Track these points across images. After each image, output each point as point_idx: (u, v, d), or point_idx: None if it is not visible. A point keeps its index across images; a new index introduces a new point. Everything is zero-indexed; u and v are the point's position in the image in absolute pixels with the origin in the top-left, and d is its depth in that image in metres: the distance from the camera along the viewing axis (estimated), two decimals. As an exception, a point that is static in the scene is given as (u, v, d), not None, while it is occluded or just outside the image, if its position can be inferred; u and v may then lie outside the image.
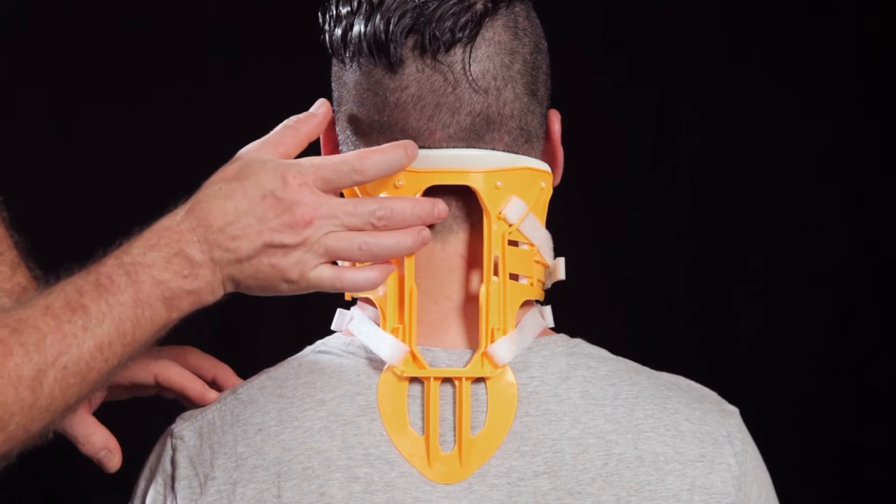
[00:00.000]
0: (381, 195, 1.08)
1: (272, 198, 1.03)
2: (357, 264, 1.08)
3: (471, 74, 1.06)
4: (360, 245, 1.05)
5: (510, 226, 1.08)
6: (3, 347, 0.97)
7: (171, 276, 1.02)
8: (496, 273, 1.08)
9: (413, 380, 1.07)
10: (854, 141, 2.22)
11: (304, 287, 1.05)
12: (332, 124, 1.13)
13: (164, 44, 2.12)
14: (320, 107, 1.10)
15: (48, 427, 1.01)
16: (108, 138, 2.11)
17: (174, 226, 1.04)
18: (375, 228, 1.05)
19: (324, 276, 1.05)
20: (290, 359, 1.13)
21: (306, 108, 1.14)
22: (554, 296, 1.17)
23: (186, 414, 1.12)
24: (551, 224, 1.14)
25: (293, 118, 1.09)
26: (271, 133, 1.09)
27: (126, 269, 1.02)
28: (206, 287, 1.04)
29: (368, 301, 1.11)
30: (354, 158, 1.05)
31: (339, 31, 1.09)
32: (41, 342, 0.98)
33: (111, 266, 1.02)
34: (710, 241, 2.22)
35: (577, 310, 1.50)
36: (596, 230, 2.18)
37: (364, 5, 1.07)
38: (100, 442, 1.19)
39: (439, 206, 1.07)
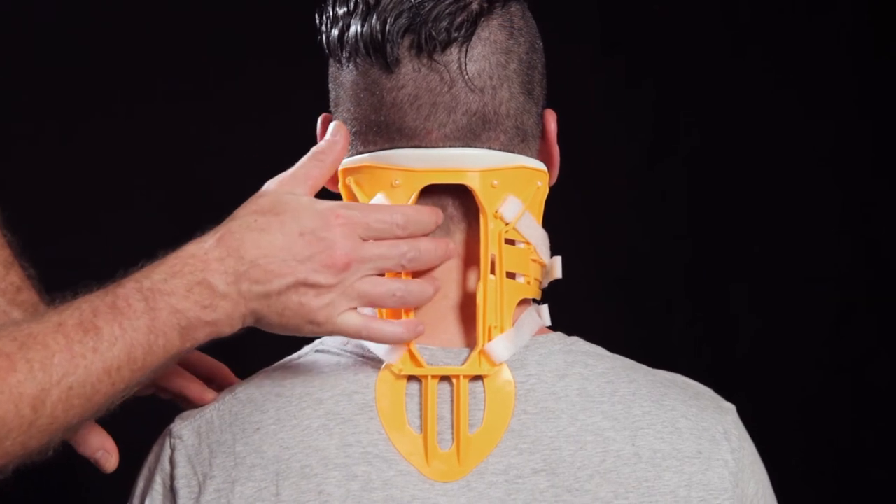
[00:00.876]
0: (378, 195, 1.08)
1: (311, 236, 1.02)
2: (382, 314, 1.08)
3: (467, 74, 1.06)
4: (394, 291, 1.05)
5: (507, 224, 1.08)
6: (8, 362, 0.95)
7: (190, 306, 1.01)
8: (493, 271, 1.08)
9: (411, 378, 1.07)
10: (853, 141, 2.22)
11: (328, 330, 1.04)
12: (329, 125, 1.13)
13: (165, 44, 2.12)
14: (338, 131, 1.09)
15: (47, 446, 1.00)
16: (107, 138, 2.11)
17: (201, 254, 1.02)
18: (405, 269, 1.05)
19: (351, 322, 1.04)
20: (288, 358, 1.13)
21: (306, 108, 1.14)
22: (553, 296, 1.17)
23: (185, 414, 1.13)
24: (550, 224, 1.14)
25: (317, 149, 1.08)
26: (297, 165, 1.08)
27: (145, 294, 1.00)
28: (225, 319, 1.02)
29: (367, 300, 1.11)
30: (401, 215, 1.05)
31: (335, 32, 1.09)
32: (48, 360, 0.97)
33: (130, 289, 1.01)
34: (708, 241, 2.22)
35: (576, 310, 1.51)
36: (594, 230, 2.19)
37: (360, 6, 1.07)
38: (96, 442, 1.19)
39: (450, 245, 1.08)
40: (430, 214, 1.07)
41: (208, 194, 2.14)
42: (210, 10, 2.13)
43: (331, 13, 1.10)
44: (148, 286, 1.01)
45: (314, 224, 1.03)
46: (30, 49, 2.09)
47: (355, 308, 1.04)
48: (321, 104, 1.14)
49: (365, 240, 1.04)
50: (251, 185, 2.29)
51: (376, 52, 1.06)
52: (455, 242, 1.10)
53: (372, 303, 1.05)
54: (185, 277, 1.01)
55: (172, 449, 1.09)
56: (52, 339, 0.97)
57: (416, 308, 1.08)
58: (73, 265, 2.00)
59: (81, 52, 2.09)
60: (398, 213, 1.05)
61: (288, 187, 1.06)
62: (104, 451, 1.19)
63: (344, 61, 1.09)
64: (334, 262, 1.02)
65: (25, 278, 1.33)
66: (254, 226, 1.03)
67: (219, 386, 1.22)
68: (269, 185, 1.07)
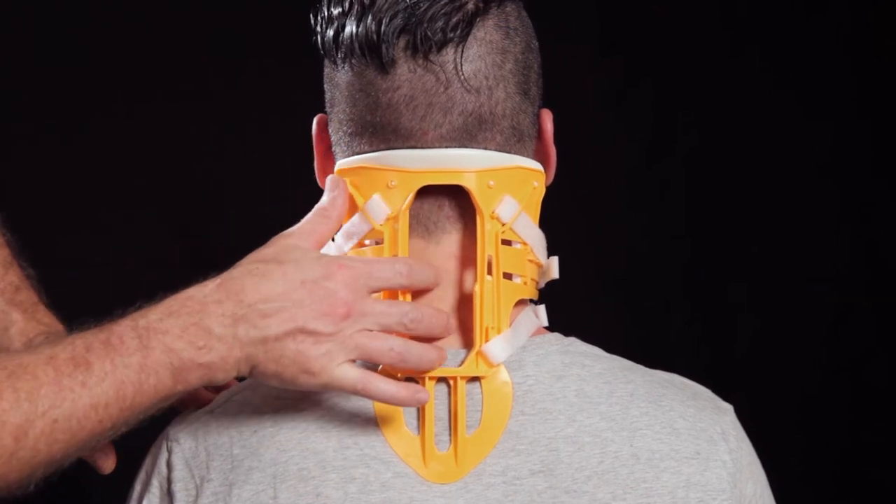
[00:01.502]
0: (374, 196, 1.08)
1: (313, 284, 1.01)
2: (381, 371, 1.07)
3: (462, 74, 1.06)
4: (391, 346, 1.03)
5: (503, 225, 1.08)
6: None
7: (184, 346, 1.00)
8: (490, 272, 1.08)
9: (408, 379, 1.07)
10: (852, 141, 2.22)
11: (324, 382, 1.02)
12: (324, 126, 1.13)
13: (165, 44, 2.12)
14: (336, 186, 1.09)
15: (28, 479, 0.98)
16: (107, 138, 2.11)
17: (199, 297, 1.01)
18: (406, 330, 1.04)
19: (348, 375, 1.02)
20: (286, 359, 1.13)
21: (306, 108, 1.14)
22: (551, 296, 1.17)
23: (182, 417, 1.12)
24: (548, 223, 1.14)
25: (320, 206, 1.08)
26: (303, 221, 1.07)
27: (139, 332, 0.99)
28: (220, 363, 1.01)
29: (363, 301, 1.11)
30: (403, 264, 1.05)
31: (330, 33, 1.09)
32: (35, 391, 0.96)
33: (125, 326, 1.00)
34: (706, 241, 2.22)
35: (574, 310, 1.51)
36: (592, 230, 2.19)
37: (355, 6, 1.07)
38: None
39: (451, 322, 1.08)
40: (431, 268, 1.07)
41: (208, 194, 2.15)
42: (210, 10, 2.13)
43: (325, 13, 1.09)
44: (143, 324, 1.00)
45: (316, 273, 1.02)
46: (30, 49, 2.10)
47: (354, 361, 1.03)
48: (321, 104, 1.14)
49: (369, 292, 1.03)
50: (251, 185, 2.30)
51: (371, 52, 1.06)
52: (452, 243, 1.09)
53: (369, 357, 1.03)
54: (182, 318, 1.00)
55: (169, 452, 1.09)
56: (42, 370, 0.96)
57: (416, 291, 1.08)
58: (73, 265, 2.01)
59: (81, 52, 2.10)
60: (401, 263, 1.05)
61: (293, 240, 1.05)
62: (102, 452, 1.20)
63: (339, 62, 1.09)
64: (334, 310, 1.01)
65: (24, 278, 1.33)
66: (255, 272, 1.02)
67: (216, 388, 1.22)
68: (274, 238, 1.06)
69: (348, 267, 1.03)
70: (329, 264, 1.02)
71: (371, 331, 1.03)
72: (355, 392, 1.03)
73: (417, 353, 1.04)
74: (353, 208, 1.10)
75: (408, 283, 1.04)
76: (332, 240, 1.13)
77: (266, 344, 1.01)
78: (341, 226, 1.09)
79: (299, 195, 2.00)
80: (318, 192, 1.18)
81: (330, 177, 1.09)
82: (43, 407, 0.96)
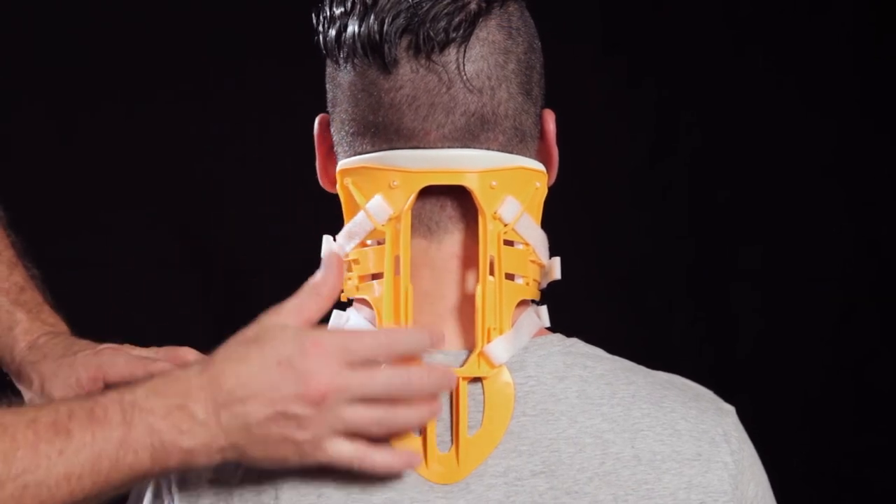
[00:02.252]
0: (376, 196, 1.08)
1: (287, 365, 0.98)
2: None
3: (465, 74, 1.06)
4: (378, 420, 1.00)
5: (505, 226, 1.08)
6: None
7: (167, 428, 0.97)
8: (492, 273, 1.07)
9: (410, 381, 1.07)
10: (855, 140, 2.22)
11: (319, 461, 1.00)
12: (326, 126, 1.13)
13: (165, 44, 2.12)
14: (331, 263, 1.06)
15: None
16: (107, 138, 2.11)
17: (185, 379, 0.99)
18: (392, 397, 1.01)
19: (343, 451, 1.00)
20: (287, 360, 1.13)
21: (307, 108, 1.13)
22: (554, 296, 1.17)
23: (183, 416, 1.12)
24: (551, 224, 1.13)
25: (313, 281, 1.04)
26: (293, 298, 1.04)
27: (124, 406, 0.98)
28: (202, 449, 0.98)
29: (365, 302, 1.11)
30: (385, 335, 1.01)
31: (332, 32, 1.09)
32: (11, 453, 0.94)
33: (111, 399, 0.98)
34: (710, 241, 2.22)
35: (577, 310, 1.51)
36: (596, 230, 2.19)
37: (358, 6, 1.07)
38: None
39: (450, 376, 1.04)
40: (416, 334, 1.03)
41: (208, 194, 2.15)
42: (210, 10, 2.13)
43: (328, 13, 1.09)
44: (129, 400, 0.98)
45: (290, 352, 0.99)
46: (30, 49, 2.10)
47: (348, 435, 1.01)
48: (321, 104, 1.14)
49: (348, 366, 0.99)
50: (251, 185, 2.30)
51: (374, 52, 1.06)
52: (454, 243, 1.09)
53: (356, 431, 1.00)
54: (167, 399, 0.98)
55: (170, 451, 1.09)
56: (21, 433, 0.95)
57: (411, 303, 1.07)
58: (73, 265, 2.01)
59: (81, 52, 2.10)
60: (381, 334, 1.01)
61: (279, 318, 1.02)
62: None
63: (341, 62, 1.09)
64: (309, 392, 0.98)
65: (29, 278, 1.34)
66: (234, 356, 1.00)
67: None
68: (262, 316, 1.03)
69: (323, 344, 0.99)
70: (303, 341, 0.99)
71: (356, 402, 0.99)
72: (351, 468, 1.01)
73: (406, 417, 1.01)
74: (355, 208, 1.10)
75: (388, 354, 1.01)
76: (334, 239, 1.12)
77: (249, 431, 0.98)
78: (332, 304, 1.05)
79: (299, 195, 2.01)
80: (319, 192, 1.17)
81: (327, 253, 1.07)
82: (16, 470, 0.94)
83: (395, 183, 1.07)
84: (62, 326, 1.32)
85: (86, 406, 0.98)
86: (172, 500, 1.06)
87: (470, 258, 1.09)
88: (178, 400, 0.98)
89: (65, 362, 1.24)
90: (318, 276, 1.05)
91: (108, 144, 2.10)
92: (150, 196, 2.12)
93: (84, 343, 1.28)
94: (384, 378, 1.00)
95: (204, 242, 2.13)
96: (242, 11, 2.13)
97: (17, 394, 1.27)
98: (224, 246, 2.14)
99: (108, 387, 1.23)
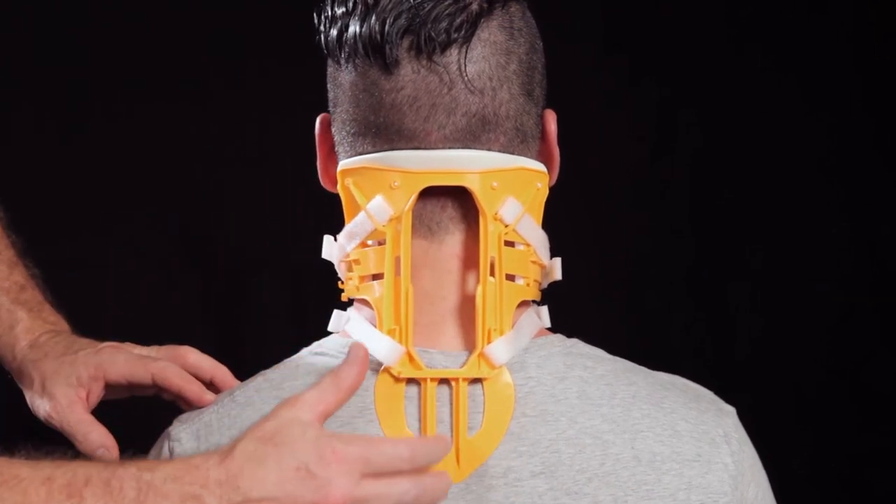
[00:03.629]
0: (377, 197, 1.08)
1: (305, 471, 0.97)
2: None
3: (466, 75, 1.06)
4: None
5: (506, 226, 1.08)
6: None
7: None
8: (492, 274, 1.07)
9: (410, 381, 1.07)
10: (855, 140, 2.21)
11: None
12: (327, 126, 1.13)
13: (165, 44, 2.12)
14: (356, 357, 1.03)
15: None
16: (107, 138, 2.11)
17: (204, 468, 0.97)
18: None
19: None
20: (287, 360, 1.13)
21: (307, 108, 1.13)
22: (554, 297, 1.17)
23: (183, 416, 1.12)
24: (551, 224, 1.13)
25: (336, 372, 1.02)
26: (314, 387, 1.02)
27: (141, 485, 0.96)
28: None
29: (365, 302, 1.11)
30: (405, 447, 0.99)
31: (334, 32, 1.09)
32: None
33: (130, 473, 0.96)
34: (710, 241, 2.22)
35: (577, 311, 1.51)
36: (596, 230, 2.18)
37: (359, 6, 1.07)
38: (97, 440, 1.19)
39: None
40: (437, 444, 1.01)
41: (208, 194, 2.14)
42: (210, 10, 2.13)
43: (329, 13, 1.09)
44: (147, 479, 0.96)
45: (310, 458, 0.97)
46: (30, 49, 2.09)
47: None
48: (321, 104, 1.14)
49: (366, 476, 0.98)
50: (251, 185, 2.30)
51: (375, 52, 1.06)
52: (454, 244, 1.09)
53: None
54: (184, 486, 0.96)
55: (171, 452, 1.09)
56: (34, 489, 0.94)
57: (411, 303, 1.07)
58: (73, 265, 2.01)
59: (81, 52, 2.09)
60: (403, 446, 0.99)
61: (297, 411, 1.00)
62: (105, 448, 1.20)
63: (342, 62, 1.09)
64: (326, 502, 0.96)
65: (29, 277, 1.34)
66: (252, 455, 0.98)
67: (218, 387, 1.22)
68: (280, 405, 1.01)
69: (343, 453, 0.97)
70: (324, 448, 0.98)
71: None
72: None
73: None
74: (355, 208, 1.10)
75: (410, 466, 0.99)
76: (335, 240, 1.12)
77: None
78: (351, 396, 1.04)
79: (299, 195, 2.01)
80: (319, 192, 1.17)
81: (354, 344, 1.05)
82: None
83: (395, 183, 1.07)
84: (63, 325, 1.32)
85: (104, 475, 0.96)
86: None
87: (470, 259, 1.09)
88: (195, 490, 0.96)
89: (66, 360, 1.24)
90: (343, 369, 1.03)
91: (108, 144, 2.10)
92: (150, 196, 2.12)
93: (85, 341, 1.28)
94: (401, 489, 0.98)
95: (204, 242, 2.13)
96: (242, 11, 2.13)
97: (21, 396, 1.27)
98: (224, 246, 2.13)
99: (109, 386, 1.23)
